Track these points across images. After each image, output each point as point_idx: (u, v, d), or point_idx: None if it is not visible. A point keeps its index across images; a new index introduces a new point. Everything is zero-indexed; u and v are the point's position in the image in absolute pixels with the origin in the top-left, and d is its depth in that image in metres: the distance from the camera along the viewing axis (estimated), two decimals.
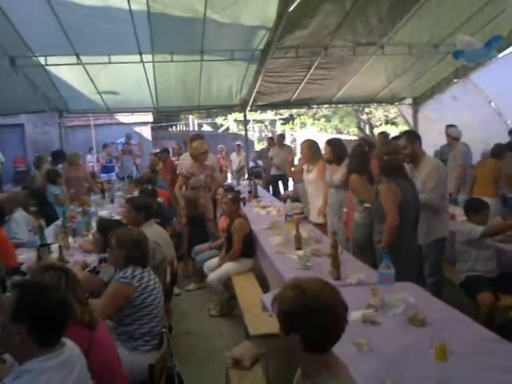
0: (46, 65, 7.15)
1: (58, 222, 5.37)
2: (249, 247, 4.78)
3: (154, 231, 4.16)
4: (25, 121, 15.56)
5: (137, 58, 7.18)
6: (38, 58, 6.98)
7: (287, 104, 10.29)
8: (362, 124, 21.88)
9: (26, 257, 4.23)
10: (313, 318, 1.50)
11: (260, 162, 10.61)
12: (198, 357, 3.79)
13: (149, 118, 16.55)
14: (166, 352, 2.56)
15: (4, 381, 1.66)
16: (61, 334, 1.75)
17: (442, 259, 4.11)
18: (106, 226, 3.78)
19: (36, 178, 8.08)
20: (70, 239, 4.78)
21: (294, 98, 9.67)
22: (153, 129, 18.65)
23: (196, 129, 24.36)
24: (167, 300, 3.62)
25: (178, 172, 6.31)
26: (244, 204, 6.28)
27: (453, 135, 6.68)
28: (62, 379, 1.66)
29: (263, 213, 5.99)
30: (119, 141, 14.01)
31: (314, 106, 11.98)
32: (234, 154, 11.80)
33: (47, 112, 9.35)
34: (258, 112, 17.57)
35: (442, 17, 6.58)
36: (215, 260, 4.97)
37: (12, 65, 6.88)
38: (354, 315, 2.47)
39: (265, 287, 4.18)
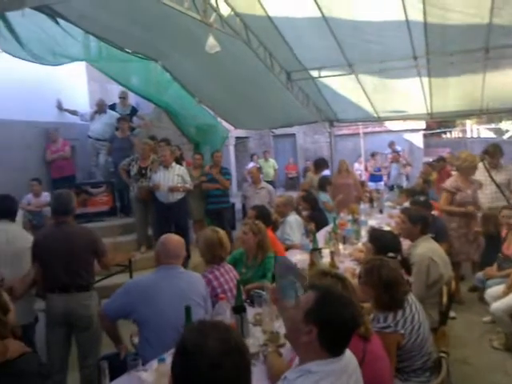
0: (319, 77, 7.71)
1: (329, 228, 5.75)
2: None
3: (429, 247, 4.06)
4: (296, 130, 17.41)
5: (411, 62, 7.03)
6: (310, 71, 7.60)
7: None
8: None
9: (298, 258, 4.67)
10: None
11: None
12: None
13: (421, 124, 16.31)
14: (445, 378, 2.45)
15: (288, 375, 1.81)
16: (347, 344, 1.84)
17: None
18: (377, 236, 3.89)
19: (308, 184, 8.95)
20: (340, 246, 5.09)
21: None
22: (424, 136, 18.28)
23: (474, 135, 22.69)
24: (443, 323, 3.49)
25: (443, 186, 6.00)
26: None
27: None
28: None
29: None
30: (387, 151, 14.28)
31: None
32: None
33: (318, 122, 10.13)
34: None
35: None
36: (499, 287, 4.55)
37: (288, 79, 7.74)
38: None
39: None
